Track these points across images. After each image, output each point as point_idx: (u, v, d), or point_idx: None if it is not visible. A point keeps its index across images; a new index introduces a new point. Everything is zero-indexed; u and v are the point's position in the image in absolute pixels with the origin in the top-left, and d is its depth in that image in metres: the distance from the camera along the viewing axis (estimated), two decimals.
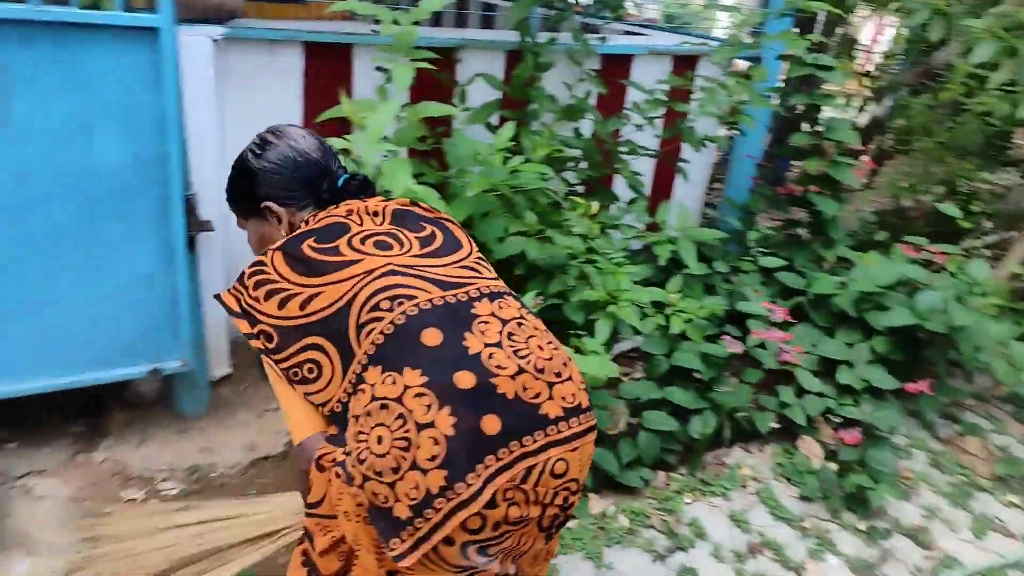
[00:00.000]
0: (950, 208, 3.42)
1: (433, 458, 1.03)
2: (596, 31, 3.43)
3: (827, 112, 4.18)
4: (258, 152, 1.38)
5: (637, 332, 2.63)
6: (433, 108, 1.99)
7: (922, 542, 2.48)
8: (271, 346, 1.18)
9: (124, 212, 2.02)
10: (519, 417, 1.06)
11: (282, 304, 1.17)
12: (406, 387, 1.06)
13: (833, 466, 2.68)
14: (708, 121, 3.16)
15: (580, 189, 3.04)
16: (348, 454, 1.09)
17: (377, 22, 2.41)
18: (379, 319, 1.11)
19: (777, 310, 2.74)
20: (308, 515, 1.21)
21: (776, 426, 2.76)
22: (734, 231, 3.47)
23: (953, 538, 2.52)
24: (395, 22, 1.97)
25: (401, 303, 1.12)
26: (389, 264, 1.17)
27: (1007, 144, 5.36)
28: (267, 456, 2.46)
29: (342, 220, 1.28)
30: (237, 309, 1.22)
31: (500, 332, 1.12)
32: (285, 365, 1.17)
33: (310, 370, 1.16)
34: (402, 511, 1.04)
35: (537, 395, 1.09)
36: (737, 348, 2.61)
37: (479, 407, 1.05)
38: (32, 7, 1.74)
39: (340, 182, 1.41)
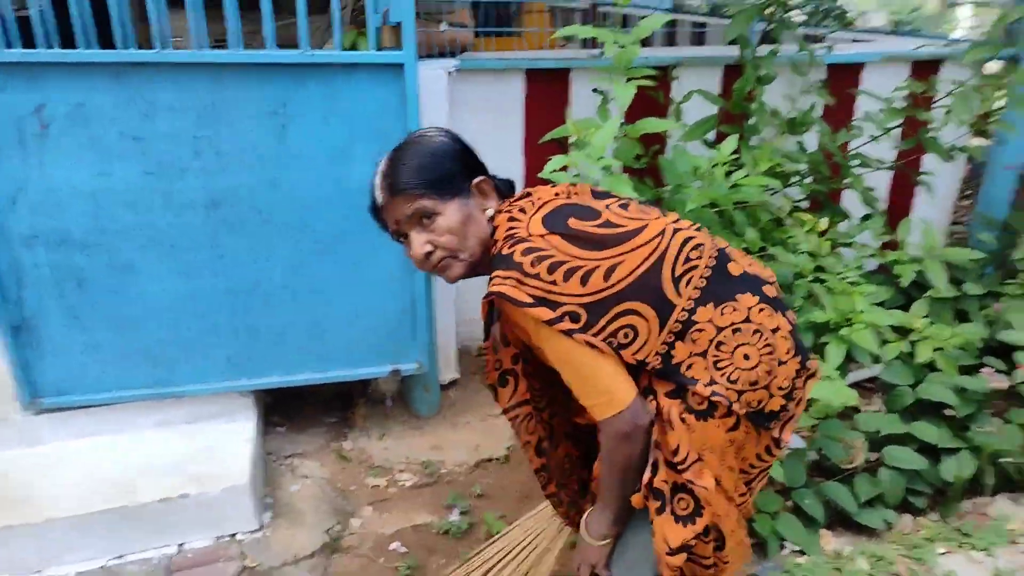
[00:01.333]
0: None
1: (788, 351, 1.28)
2: (820, 41, 3.24)
3: None
4: (440, 136, 1.33)
5: (876, 360, 2.41)
6: (652, 124, 2.01)
7: None
8: (579, 324, 1.18)
9: (374, 225, 2.26)
10: (789, 312, 1.35)
11: (583, 281, 1.18)
12: (748, 308, 1.25)
13: None
14: (956, 130, 2.83)
15: (805, 205, 2.87)
16: (710, 385, 1.22)
17: (595, 46, 2.48)
18: (695, 267, 1.24)
19: None
20: (679, 471, 1.24)
21: None
22: (991, 252, 3.05)
23: None
24: (615, 43, 2.01)
25: (702, 248, 1.27)
26: (667, 224, 1.28)
27: None
28: (491, 458, 2.59)
29: (570, 201, 1.29)
30: (529, 299, 1.17)
31: (743, 255, 1.37)
32: (602, 336, 1.18)
33: (626, 335, 1.19)
34: (776, 404, 1.27)
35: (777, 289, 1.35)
36: (1000, 383, 2.28)
37: (783, 307, 1.32)
38: (303, 52, 2.03)
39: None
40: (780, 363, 1.27)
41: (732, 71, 2.97)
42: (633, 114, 2.54)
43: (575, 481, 1.56)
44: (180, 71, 1.96)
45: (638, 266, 1.21)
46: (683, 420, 1.23)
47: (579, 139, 1.84)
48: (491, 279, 1.21)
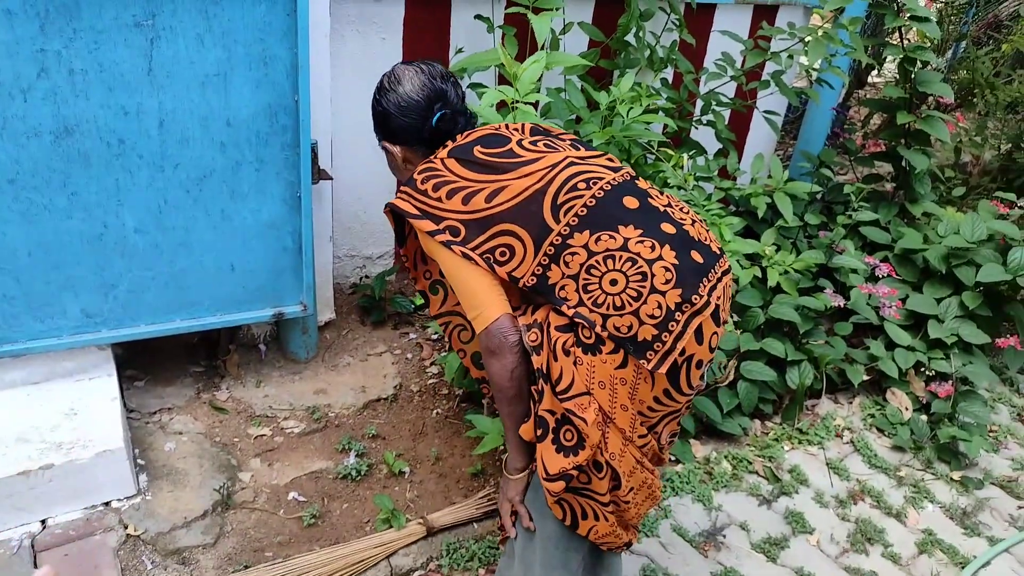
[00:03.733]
0: None
1: (668, 281, 1.27)
2: None
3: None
4: (380, 92, 1.52)
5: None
6: (566, 58, 1.99)
7: (1015, 493, 2.53)
8: (458, 238, 1.30)
9: (256, 159, 2.07)
10: (706, 254, 1.34)
11: (466, 200, 1.31)
12: (626, 239, 1.28)
13: (924, 418, 2.72)
14: (788, 74, 3.12)
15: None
16: (577, 307, 1.27)
17: None
18: (579, 196, 1.31)
19: (881, 265, 2.75)
20: (562, 400, 1.27)
21: (865, 379, 2.80)
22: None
23: None
24: None
25: (596, 182, 1.33)
26: (567, 158, 1.37)
27: None
28: (379, 398, 2.54)
29: (495, 132, 1.43)
30: (415, 211, 1.34)
31: (665, 197, 1.41)
32: (478, 252, 1.30)
33: (502, 253, 1.30)
34: (647, 332, 1.26)
35: (706, 239, 1.37)
36: (839, 302, 2.63)
37: (685, 246, 1.31)
38: None
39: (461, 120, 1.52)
40: (653, 291, 1.26)
41: (602, 6, 3.01)
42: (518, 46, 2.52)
43: None
44: None
45: (520, 192, 1.30)
46: (567, 352, 1.27)
47: (508, 73, 1.78)
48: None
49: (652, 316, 1.26)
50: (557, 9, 2.13)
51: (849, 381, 2.79)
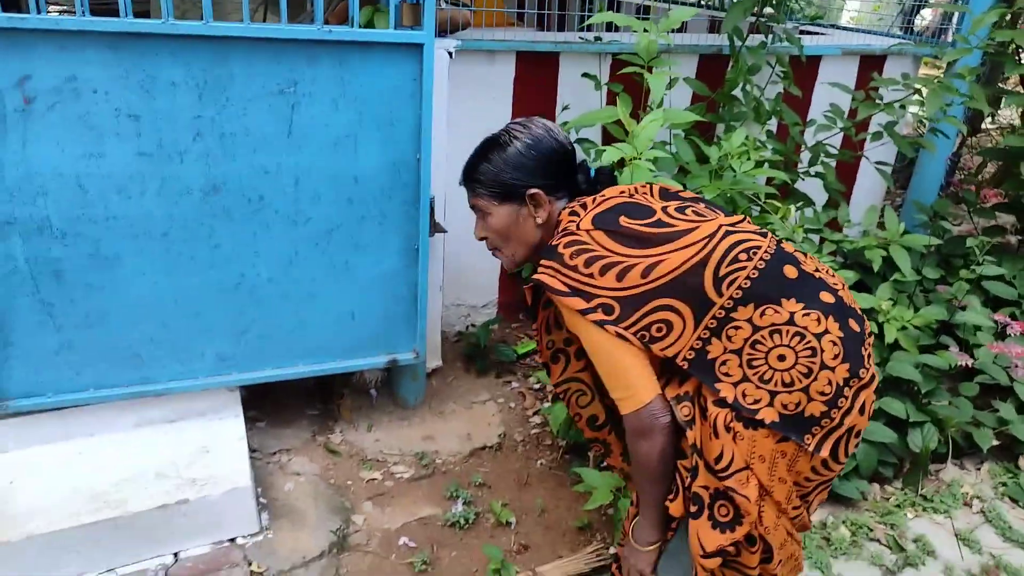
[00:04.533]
0: None
1: (836, 356, 1.25)
2: (770, 32, 3.38)
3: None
4: (521, 139, 1.43)
5: None
6: (679, 115, 2.03)
7: None
8: (611, 317, 1.25)
9: (380, 213, 2.18)
10: (859, 320, 1.32)
11: (620, 276, 1.25)
12: (792, 312, 1.25)
13: None
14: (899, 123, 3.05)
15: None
16: (737, 388, 1.25)
17: (587, 30, 2.46)
18: (742, 268, 1.26)
19: (1013, 324, 2.60)
20: (720, 478, 1.25)
21: (995, 443, 2.63)
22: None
23: None
24: (645, 31, 2.02)
25: (755, 251, 1.28)
26: (722, 226, 1.31)
27: None
28: (484, 446, 2.57)
29: (633, 201, 1.37)
30: (565, 288, 1.26)
31: (813, 261, 1.37)
32: (633, 330, 1.24)
33: (659, 329, 1.25)
34: (816, 408, 1.25)
35: (854, 304, 1.35)
36: (965, 360, 2.50)
37: (844, 315, 1.29)
38: (318, 27, 1.91)
39: (592, 173, 1.52)
40: (823, 367, 1.24)
41: (707, 60, 3.05)
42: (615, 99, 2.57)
43: None
44: (185, 44, 1.79)
45: (680, 265, 1.25)
46: (729, 428, 1.24)
47: (616, 131, 1.83)
48: (538, 266, 1.33)
49: (822, 393, 1.24)
50: (666, 68, 2.18)
51: (976, 446, 2.61)
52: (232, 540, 2.08)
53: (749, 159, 2.19)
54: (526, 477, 2.48)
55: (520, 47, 2.66)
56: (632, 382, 1.26)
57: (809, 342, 1.24)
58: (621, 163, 1.84)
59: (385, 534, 2.20)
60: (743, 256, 1.27)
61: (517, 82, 2.77)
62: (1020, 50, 2.83)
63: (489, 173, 1.43)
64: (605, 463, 1.61)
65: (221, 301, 2.13)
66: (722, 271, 1.25)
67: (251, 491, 2.06)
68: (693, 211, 1.35)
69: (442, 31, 2.51)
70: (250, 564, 2.02)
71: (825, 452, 1.27)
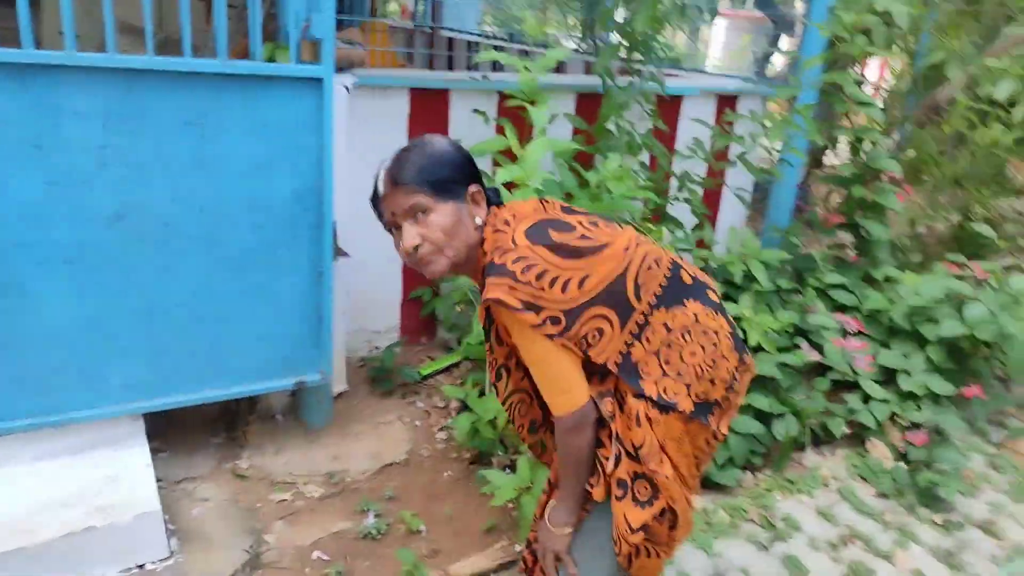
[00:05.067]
0: (985, 228, 3.69)
1: (729, 347, 1.46)
2: (638, 74, 3.77)
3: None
4: (442, 141, 1.42)
5: None
6: (561, 144, 2.27)
7: (993, 533, 2.69)
8: (559, 328, 1.32)
9: (288, 239, 2.28)
10: (728, 314, 1.54)
11: (564, 288, 1.31)
12: (695, 313, 1.44)
13: (903, 466, 2.90)
14: (753, 155, 3.47)
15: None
16: (658, 384, 1.40)
17: (473, 68, 2.69)
18: (654, 276, 1.42)
19: (851, 321, 2.99)
20: (641, 461, 1.39)
21: (846, 431, 3.00)
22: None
23: (1021, 530, 2.73)
24: (526, 68, 2.26)
25: (660, 260, 1.44)
26: (632, 238, 1.43)
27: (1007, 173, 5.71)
28: (392, 463, 2.67)
29: (550, 216, 1.42)
30: (518, 304, 1.29)
31: (690, 266, 1.53)
32: (572, 338, 1.35)
33: (593, 336, 1.36)
34: (716, 393, 1.45)
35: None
36: (815, 356, 2.85)
37: (724, 311, 1.50)
38: (223, 61, 2.02)
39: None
40: (722, 358, 1.44)
41: (583, 98, 3.36)
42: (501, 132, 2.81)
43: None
44: (91, 75, 1.86)
45: (607, 275, 1.35)
46: (648, 417, 1.38)
47: (503, 159, 2.04)
48: (485, 286, 1.33)
49: (723, 380, 1.44)
50: (546, 102, 2.43)
51: (831, 434, 2.98)
52: (141, 567, 2.08)
53: (625, 184, 2.47)
54: (434, 489, 2.59)
55: (413, 83, 2.86)
56: (571, 387, 1.36)
57: (711, 338, 1.43)
58: (510, 186, 2.05)
59: (298, 550, 2.25)
60: (654, 265, 1.41)
61: (411, 117, 2.95)
62: (842, 90, 3.30)
63: (428, 170, 1.36)
64: (541, 460, 1.70)
65: (133, 327, 2.15)
66: (640, 279, 1.38)
67: (159, 515, 2.08)
68: (603, 224, 1.48)
69: (339, 68, 2.67)
70: None
71: (724, 428, 1.47)
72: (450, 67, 5.11)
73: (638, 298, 1.39)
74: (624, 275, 1.37)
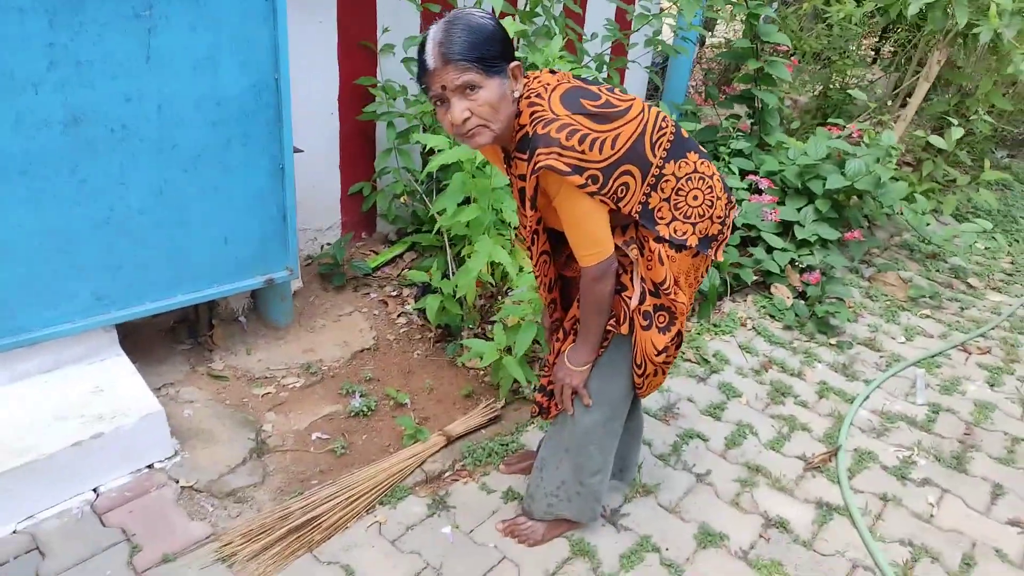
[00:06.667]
0: (859, 94, 4.14)
1: (721, 189, 1.70)
2: None
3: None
4: (486, 18, 1.45)
5: None
6: (514, 26, 2.35)
7: (874, 347, 3.23)
8: (597, 186, 1.48)
9: (245, 135, 2.26)
10: None
11: (600, 149, 1.47)
12: (695, 162, 1.65)
13: (802, 302, 3.38)
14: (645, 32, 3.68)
15: None
16: (670, 226, 1.63)
17: None
18: (664, 134, 1.60)
19: (762, 181, 3.34)
20: (664, 295, 1.64)
21: (755, 278, 3.42)
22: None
23: (894, 343, 3.30)
24: None
25: (667, 120, 1.63)
26: (640, 102, 1.60)
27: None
28: (362, 349, 2.80)
29: (575, 84, 1.54)
30: (567, 168, 1.43)
31: None
32: (607, 194, 1.51)
33: (622, 190, 1.54)
34: (714, 229, 1.69)
35: None
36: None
37: (710, 159, 1.73)
38: None
39: None
40: (717, 199, 1.67)
41: None
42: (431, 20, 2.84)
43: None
44: None
45: (631, 135, 1.52)
46: (667, 257, 1.64)
47: None
48: (534, 155, 1.43)
49: (719, 217, 1.68)
50: None
51: (743, 282, 3.39)
52: (150, 466, 2.13)
53: (567, 63, 2.59)
54: (408, 367, 2.76)
55: None
56: (602, 240, 1.56)
57: (708, 182, 1.66)
58: None
59: (297, 434, 2.37)
60: (663, 124, 1.59)
61: (340, 6, 2.88)
62: None
63: (478, 47, 1.39)
64: (554, 317, 1.89)
65: (92, 237, 2.10)
66: (654, 137, 1.57)
67: (163, 415, 2.12)
68: (617, 91, 1.62)
69: None
70: (177, 482, 2.10)
71: (719, 257, 1.75)
72: None
73: (654, 153, 1.57)
74: (643, 135, 1.54)
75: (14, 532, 1.90)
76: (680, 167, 1.62)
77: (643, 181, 1.57)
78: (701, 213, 1.66)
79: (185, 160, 2.17)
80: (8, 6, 1.74)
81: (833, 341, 3.24)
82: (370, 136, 3.27)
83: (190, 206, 2.24)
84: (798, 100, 6.31)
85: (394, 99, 3.08)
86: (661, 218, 1.62)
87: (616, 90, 1.61)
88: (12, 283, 2.02)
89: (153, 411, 2.09)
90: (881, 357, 3.16)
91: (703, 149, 1.73)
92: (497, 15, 2.47)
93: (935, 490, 2.37)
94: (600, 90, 1.55)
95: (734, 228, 3.45)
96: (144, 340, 2.61)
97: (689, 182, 1.63)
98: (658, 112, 1.62)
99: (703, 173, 1.66)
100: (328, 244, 3.19)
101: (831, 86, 5.86)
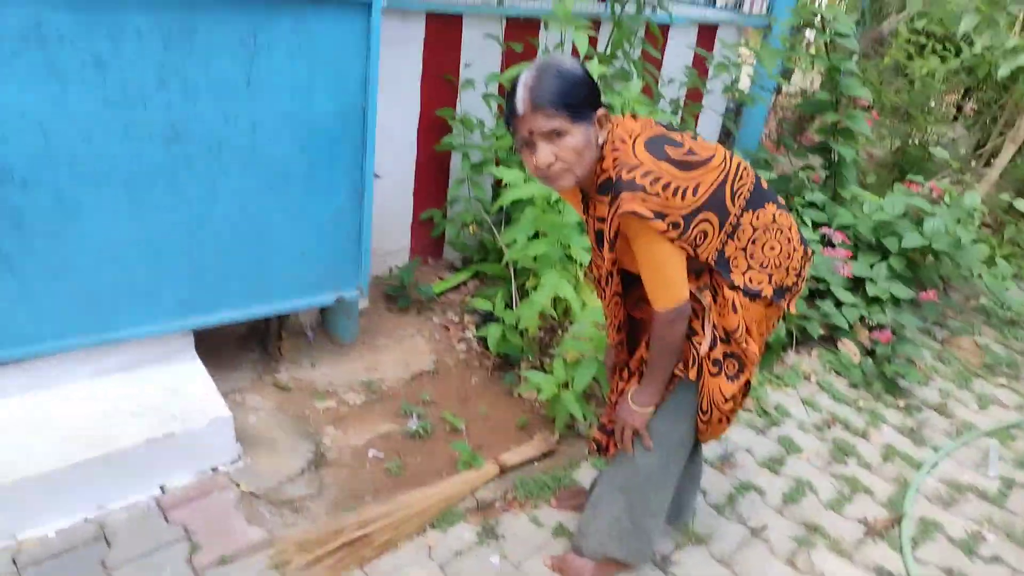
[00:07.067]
0: (940, 152, 4.05)
1: (799, 241, 1.72)
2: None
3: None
4: (575, 64, 1.49)
5: None
6: (599, 68, 2.40)
7: (945, 413, 3.11)
8: (678, 232, 1.50)
9: (330, 158, 2.36)
10: None
11: (683, 196, 1.49)
12: (773, 213, 1.67)
13: (870, 360, 3.28)
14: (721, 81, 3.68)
15: None
16: (745, 275, 1.63)
17: None
18: (744, 184, 1.62)
19: (836, 233, 3.29)
20: (736, 342, 1.64)
21: (821, 332, 3.34)
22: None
23: (966, 410, 3.16)
24: None
25: (747, 170, 1.64)
26: (722, 151, 1.61)
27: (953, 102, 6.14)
28: (422, 371, 2.85)
29: (659, 132, 1.56)
30: (650, 214, 1.46)
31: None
32: (687, 240, 1.54)
33: (700, 237, 1.56)
34: (789, 280, 1.70)
35: None
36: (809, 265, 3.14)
37: (788, 211, 1.76)
38: None
39: None
40: (794, 250, 1.68)
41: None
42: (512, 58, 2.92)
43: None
44: None
45: (712, 183, 1.54)
46: (740, 304, 1.64)
47: None
48: (617, 199, 1.47)
49: (794, 269, 1.69)
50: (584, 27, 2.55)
51: (809, 335, 3.32)
52: (214, 469, 2.21)
53: (646, 106, 2.63)
54: (465, 393, 2.80)
55: (430, 7, 2.90)
56: (678, 284, 1.56)
57: (785, 233, 1.67)
58: None
59: (354, 450, 2.42)
60: (744, 174, 1.62)
61: (426, 41, 3.00)
62: (824, 20, 3.52)
63: (567, 93, 1.43)
64: (620, 359, 1.88)
65: (181, 245, 2.21)
66: (735, 187, 1.59)
67: (230, 420, 2.20)
68: (700, 139, 1.64)
69: None
70: (238, 486, 2.17)
71: (792, 308, 1.75)
72: None
73: (733, 203, 1.59)
74: (724, 183, 1.56)
75: (85, 520, 1.99)
76: (758, 217, 1.63)
77: (720, 229, 1.58)
78: (777, 264, 1.66)
79: (272, 178, 2.28)
80: (128, 26, 1.88)
81: (901, 403, 3.13)
82: (444, 165, 3.36)
83: (273, 222, 2.35)
84: (874, 154, 6.19)
85: (471, 131, 3.17)
86: (736, 266, 1.63)
87: (700, 138, 1.63)
88: (107, 283, 2.14)
89: (222, 416, 2.18)
90: (952, 424, 3.04)
91: (782, 201, 1.73)
92: (581, 56, 2.53)
93: (1005, 569, 2.25)
94: (683, 138, 1.57)
95: None
96: (217, 346, 2.72)
97: (766, 232, 1.64)
98: (739, 162, 1.63)
99: (781, 224, 1.66)
100: (396, 266, 3.27)
101: (910, 142, 5.74)
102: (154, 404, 2.18)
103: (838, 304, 3.41)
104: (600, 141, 1.53)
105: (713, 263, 1.61)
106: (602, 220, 1.56)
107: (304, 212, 2.39)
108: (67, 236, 2.02)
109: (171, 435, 2.09)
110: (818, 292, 3.49)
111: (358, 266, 2.60)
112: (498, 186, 3.28)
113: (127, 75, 1.93)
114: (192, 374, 2.33)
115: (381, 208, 3.17)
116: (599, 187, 1.55)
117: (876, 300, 3.46)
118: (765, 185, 1.68)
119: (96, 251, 2.08)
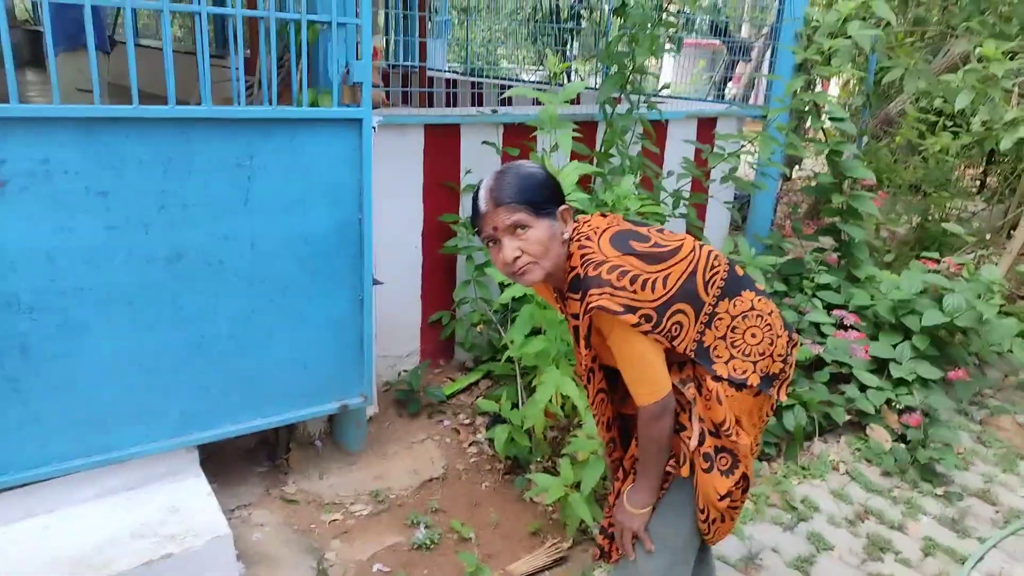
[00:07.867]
0: (956, 228, 3.99)
1: (781, 327, 1.66)
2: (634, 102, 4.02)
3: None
4: (535, 166, 1.57)
5: None
6: (588, 168, 2.46)
7: (989, 500, 2.91)
8: (651, 325, 1.49)
9: (329, 269, 2.42)
10: None
11: (652, 288, 1.49)
12: (751, 300, 1.63)
13: (902, 446, 3.12)
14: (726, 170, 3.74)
15: None
16: (728, 364, 1.60)
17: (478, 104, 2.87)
18: (717, 273, 1.60)
19: (849, 316, 3.22)
20: (724, 436, 1.58)
21: (847, 418, 3.21)
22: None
23: (1013, 496, 2.96)
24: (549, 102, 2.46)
25: (719, 258, 1.63)
26: (692, 240, 1.62)
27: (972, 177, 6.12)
28: (431, 478, 2.79)
29: (624, 228, 1.58)
30: (620, 308, 1.46)
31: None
32: (661, 332, 1.52)
33: (676, 328, 1.54)
34: (776, 367, 1.64)
35: None
36: (817, 350, 3.06)
37: (769, 297, 1.69)
38: (272, 107, 2.18)
39: None
40: (777, 336, 1.64)
41: (580, 126, 3.57)
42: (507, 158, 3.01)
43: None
44: (153, 126, 1.99)
45: (682, 274, 1.54)
46: (727, 396, 1.60)
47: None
48: (586, 296, 1.47)
49: (780, 355, 1.64)
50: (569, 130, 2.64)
51: (834, 421, 3.19)
52: None
53: (638, 201, 2.67)
54: (475, 498, 2.72)
55: (427, 120, 3.04)
56: (658, 378, 1.55)
57: (766, 320, 1.63)
58: None
59: (359, 564, 2.35)
60: (716, 262, 1.60)
61: (426, 150, 3.12)
62: (819, 107, 3.59)
63: (527, 190, 1.49)
64: (613, 456, 1.85)
65: (183, 360, 2.25)
66: (707, 276, 1.57)
67: (230, 539, 2.16)
68: (667, 232, 1.66)
69: None
70: None
71: (783, 396, 1.69)
72: (430, 103, 5.32)
73: (706, 292, 1.57)
74: (695, 273, 1.55)
75: None
76: (735, 305, 1.61)
77: (696, 319, 1.56)
78: (761, 351, 1.62)
79: (272, 291, 2.34)
80: (130, 158, 1.99)
81: (940, 491, 2.95)
82: (450, 268, 3.42)
83: (274, 334, 2.38)
84: (895, 232, 6.14)
85: (473, 234, 3.23)
86: (718, 356, 1.59)
87: (666, 231, 1.64)
88: (109, 402, 2.18)
89: (222, 534, 2.14)
90: (997, 512, 2.85)
91: (761, 287, 1.71)
92: (568, 157, 2.60)
93: None
94: (649, 232, 1.58)
95: (820, 364, 3.30)
96: (226, 461, 2.71)
97: (745, 320, 1.61)
98: (710, 251, 1.63)
99: (760, 311, 1.63)
100: (406, 371, 3.27)
101: (929, 217, 5.69)
102: (154, 523, 2.15)
103: (863, 388, 3.29)
104: (565, 236, 1.55)
105: (693, 354, 1.57)
106: (576, 317, 1.54)
107: (304, 324, 2.43)
108: (71, 358, 2.07)
109: (169, 556, 2.05)
110: (840, 376, 3.38)
111: (361, 374, 2.60)
112: (504, 285, 3.31)
113: (129, 202, 2.03)
114: (195, 491, 2.31)
115: (389, 314, 3.21)
116: (569, 285, 1.55)
117: (903, 382, 3.33)
118: (741, 272, 1.67)
119: (99, 371, 2.13)
